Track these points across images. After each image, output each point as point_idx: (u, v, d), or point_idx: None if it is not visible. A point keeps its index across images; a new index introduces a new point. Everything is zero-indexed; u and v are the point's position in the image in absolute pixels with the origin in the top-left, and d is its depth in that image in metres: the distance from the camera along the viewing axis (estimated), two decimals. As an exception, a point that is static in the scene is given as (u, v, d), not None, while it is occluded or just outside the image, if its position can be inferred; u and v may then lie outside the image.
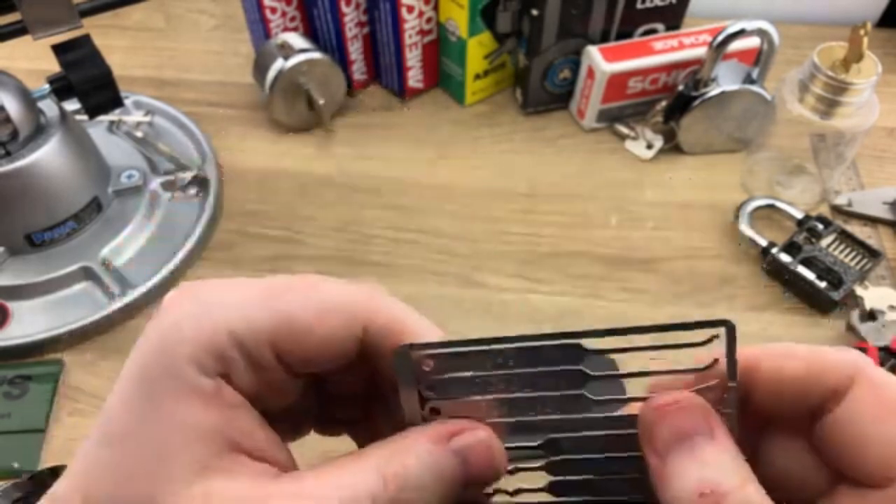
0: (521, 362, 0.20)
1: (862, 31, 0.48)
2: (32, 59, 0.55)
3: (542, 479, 0.21)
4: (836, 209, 0.58)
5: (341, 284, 0.21)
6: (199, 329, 0.19)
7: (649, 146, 0.63)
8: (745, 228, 0.55)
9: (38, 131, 0.52)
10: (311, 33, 0.67)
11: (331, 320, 0.20)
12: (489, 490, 0.21)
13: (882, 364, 0.47)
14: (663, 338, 0.19)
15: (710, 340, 0.19)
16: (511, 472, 0.21)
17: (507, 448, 0.21)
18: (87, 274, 0.54)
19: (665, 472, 0.18)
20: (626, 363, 0.20)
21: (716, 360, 0.19)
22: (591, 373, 0.20)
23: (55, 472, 0.21)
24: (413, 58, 0.66)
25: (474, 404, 0.20)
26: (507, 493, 0.21)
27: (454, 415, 0.20)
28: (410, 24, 0.63)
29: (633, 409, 0.20)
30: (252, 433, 0.19)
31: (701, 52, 0.61)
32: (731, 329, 0.19)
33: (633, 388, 0.20)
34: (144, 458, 0.18)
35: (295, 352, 0.20)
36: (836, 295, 0.50)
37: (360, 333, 0.20)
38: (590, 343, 0.20)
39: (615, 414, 0.21)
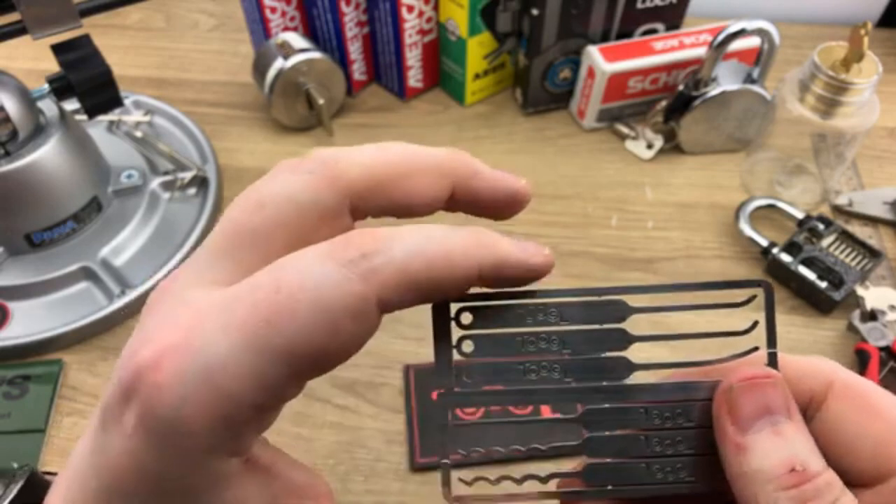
0: (563, 319, 0.19)
1: (862, 31, 0.48)
2: (32, 58, 0.55)
3: (577, 462, 0.20)
4: (837, 209, 0.58)
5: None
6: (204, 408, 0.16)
7: (649, 146, 0.63)
8: (746, 228, 0.55)
9: (38, 131, 0.52)
10: (311, 33, 0.67)
11: (428, 171, 0.19)
12: (521, 481, 0.20)
13: (882, 364, 0.47)
14: (701, 297, 0.19)
15: (748, 301, 0.19)
16: (546, 456, 0.20)
17: (544, 420, 0.20)
18: (87, 274, 0.54)
19: (746, 445, 0.18)
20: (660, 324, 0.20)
21: (755, 323, 0.19)
22: (635, 334, 0.19)
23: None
24: (413, 58, 0.66)
25: (509, 366, 0.19)
26: (539, 479, 0.20)
27: (486, 376, 0.19)
28: (410, 23, 0.63)
29: (675, 375, 0.20)
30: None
31: (701, 51, 0.61)
32: (769, 290, 0.18)
33: (664, 351, 0.19)
34: None
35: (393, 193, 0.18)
36: (837, 295, 0.50)
37: (449, 189, 0.19)
38: (632, 300, 0.19)
39: (662, 381, 0.20)
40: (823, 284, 0.51)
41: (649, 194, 0.60)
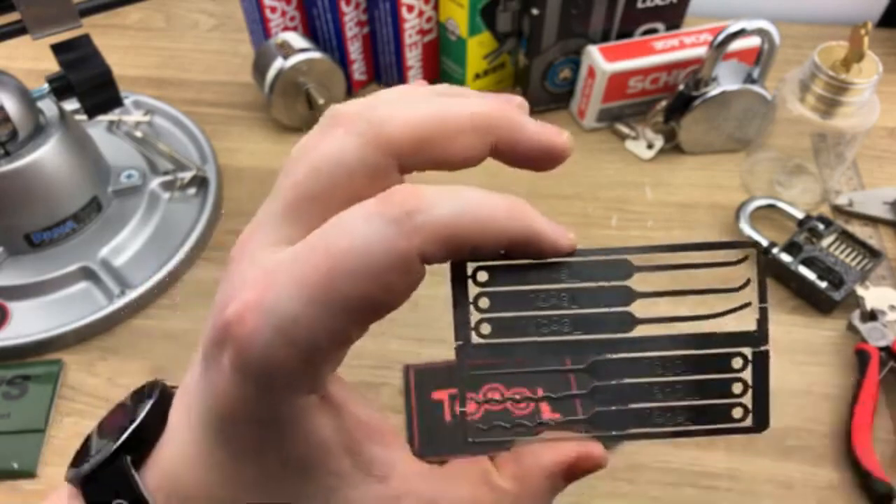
0: (572, 277, 0.20)
1: (863, 31, 0.48)
2: (32, 58, 0.55)
3: (583, 409, 0.22)
4: (837, 209, 0.58)
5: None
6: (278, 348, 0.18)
7: (650, 146, 0.63)
8: (746, 228, 0.55)
9: (38, 131, 0.52)
10: (311, 33, 0.67)
11: (470, 131, 0.20)
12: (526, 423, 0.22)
13: (882, 364, 0.47)
14: (699, 257, 0.21)
15: (742, 260, 0.21)
16: (557, 401, 0.22)
17: (553, 371, 0.22)
18: (87, 274, 0.54)
19: None
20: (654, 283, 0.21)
21: (748, 280, 0.21)
22: (639, 290, 0.21)
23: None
24: (413, 57, 0.66)
25: (523, 321, 0.21)
26: (549, 426, 0.22)
27: (503, 330, 0.21)
28: (410, 23, 0.63)
29: (674, 329, 0.21)
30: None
31: (701, 51, 0.61)
32: (760, 251, 0.20)
33: (663, 307, 0.21)
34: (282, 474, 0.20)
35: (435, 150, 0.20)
36: (837, 295, 0.50)
37: (490, 145, 0.20)
38: (637, 260, 0.21)
39: (664, 334, 0.21)
40: (823, 284, 0.51)
41: (649, 194, 0.60)
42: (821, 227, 0.54)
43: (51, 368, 0.49)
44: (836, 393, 0.47)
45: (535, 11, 0.59)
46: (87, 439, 0.22)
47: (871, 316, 0.50)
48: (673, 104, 0.61)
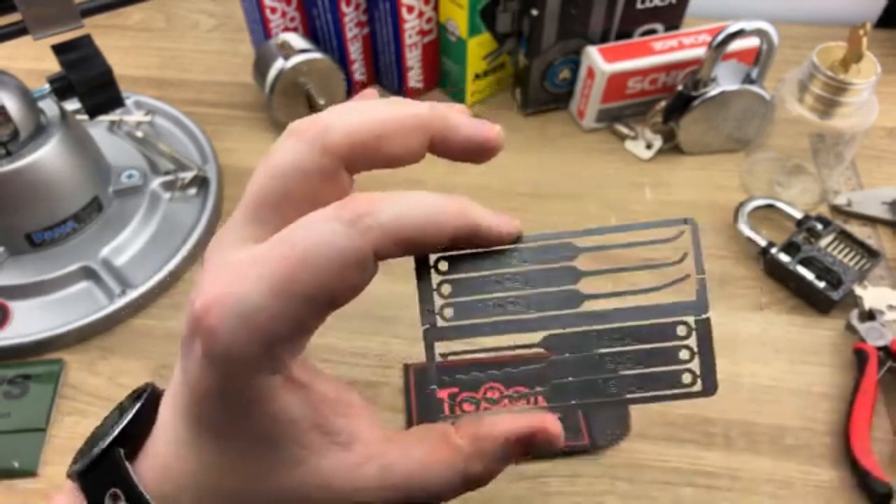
0: (524, 261, 0.23)
1: (861, 31, 0.48)
2: (33, 59, 0.55)
3: (537, 380, 0.24)
4: (836, 209, 0.58)
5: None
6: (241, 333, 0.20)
7: (649, 146, 0.63)
8: (745, 228, 0.55)
9: (39, 131, 0.52)
10: (311, 33, 0.68)
11: (407, 131, 0.22)
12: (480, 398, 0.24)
13: (881, 364, 0.47)
14: (639, 235, 0.22)
15: (678, 236, 0.22)
16: (508, 377, 0.23)
17: (511, 347, 0.24)
18: (87, 274, 0.54)
19: None
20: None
21: (685, 254, 0.22)
22: (584, 269, 0.23)
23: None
24: (413, 58, 0.66)
25: (481, 303, 0.23)
26: (511, 398, 0.24)
27: (465, 313, 0.23)
28: (410, 24, 0.63)
29: (621, 303, 0.23)
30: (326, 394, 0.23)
31: (700, 52, 0.61)
32: (694, 226, 0.22)
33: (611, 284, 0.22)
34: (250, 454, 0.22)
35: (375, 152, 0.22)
36: (836, 295, 0.50)
37: (427, 142, 0.23)
38: (581, 242, 0.23)
39: (612, 308, 0.23)
40: (822, 284, 0.51)
41: (648, 194, 0.60)
42: (819, 226, 0.54)
43: (52, 368, 0.49)
44: (834, 392, 0.48)
45: (534, 12, 0.60)
46: (88, 439, 0.24)
47: (870, 316, 0.50)
48: (672, 104, 0.61)
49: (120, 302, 0.52)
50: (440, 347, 0.23)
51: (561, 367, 0.23)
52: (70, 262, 0.53)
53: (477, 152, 0.24)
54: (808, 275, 0.52)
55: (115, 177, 0.59)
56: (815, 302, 0.52)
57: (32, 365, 0.50)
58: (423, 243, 0.21)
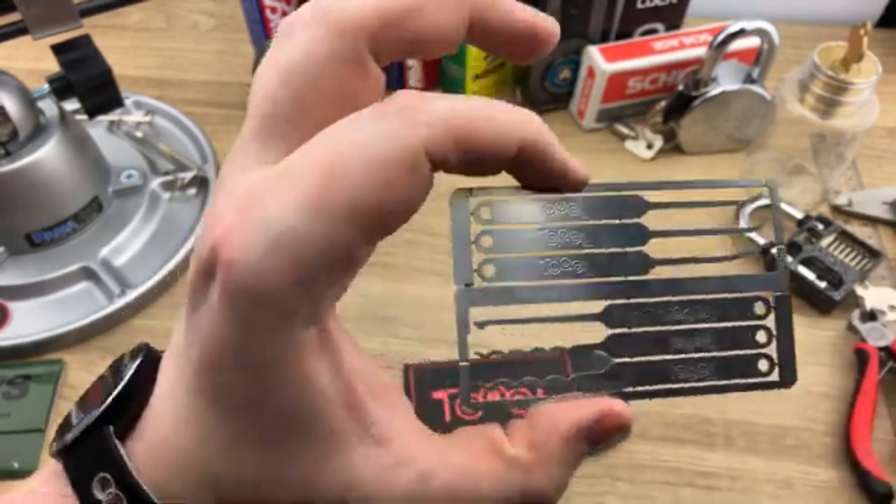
0: (584, 214, 0.19)
1: (862, 31, 0.48)
2: (32, 58, 0.55)
3: (601, 363, 0.20)
4: (837, 209, 0.58)
5: None
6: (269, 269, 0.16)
7: (649, 146, 0.63)
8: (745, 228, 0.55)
9: (38, 131, 0.52)
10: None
11: (440, 2, 0.18)
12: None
13: (882, 364, 0.47)
14: (712, 194, 0.20)
15: (756, 198, 0.19)
16: (571, 354, 0.20)
17: (563, 319, 0.19)
18: (87, 274, 0.54)
19: None
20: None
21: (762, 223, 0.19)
22: (652, 228, 0.19)
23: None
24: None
25: (530, 262, 0.19)
26: (543, 387, 0.20)
27: (507, 274, 0.19)
28: (410, 23, 0.63)
29: (693, 271, 0.20)
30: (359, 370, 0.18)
31: (701, 51, 0.61)
32: (773, 186, 0.19)
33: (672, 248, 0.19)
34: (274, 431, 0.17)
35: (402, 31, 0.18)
36: (837, 295, 0.50)
37: (465, 21, 0.18)
38: (649, 196, 0.19)
39: (679, 276, 0.19)
40: (823, 284, 0.51)
41: (648, 195, 0.60)
42: (820, 227, 0.54)
43: (51, 368, 0.49)
44: (835, 393, 0.47)
45: (534, 12, 0.59)
46: (68, 414, 0.20)
47: (871, 316, 0.50)
48: (672, 104, 0.61)
49: (120, 302, 0.52)
50: (476, 315, 0.19)
51: (622, 344, 0.19)
52: (70, 263, 0.53)
53: (524, 40, 0.19)
54: (810, 275, 0.51)
55: (115, 177, 0.59)
56: (816, 302, 0.52)
57: (32, 365, 0.50)
58: (484, 148, 0.17)
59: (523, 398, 0.20)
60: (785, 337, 0.19)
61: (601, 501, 0.43)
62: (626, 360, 0.19)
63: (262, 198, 0.16)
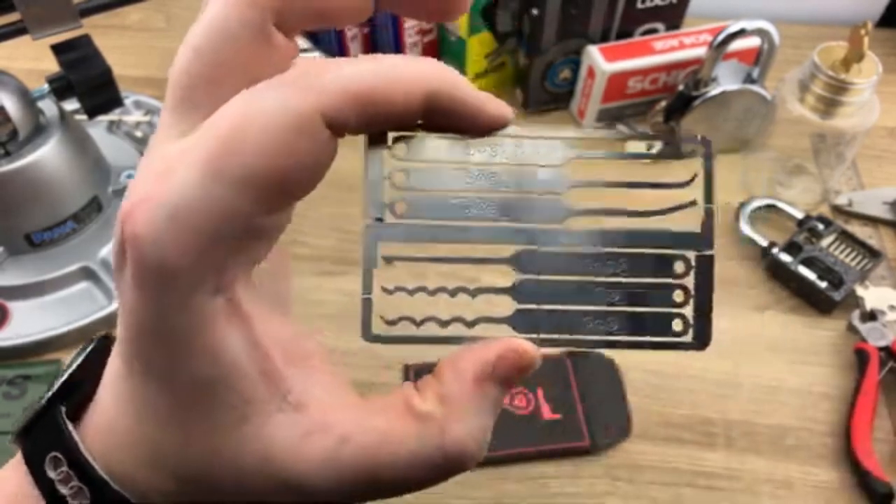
0: (503, 156, 0.18)
1: (862, 31, 0.48)
2: (32, 58, 0.55)
3: (507, 306, 0.19)
4: (837, 209, 0.58)
5: None
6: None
7: (649, 146, 0.63)
8: (746, 228, 0.55)
9: (38, 131, 0.52)
10: (311, 33, 0.67)
11: None
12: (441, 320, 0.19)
13: (882, 364, 0.47)
14: (642, 147, 0.20)
15: (690, 154, 0.20)
16: (472, 295, 0.19)
17: (471, 260, 0.19)
18: (87, 274, 0.54)
19: None
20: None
21: (695, 176, 0.20)
22: (575, 179, 0.19)
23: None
24: (412, 54, 0.66)
25: (443, 201, 0.18)
26: (465, 323, 0.19)
27: (419, 211, 0.18)
28: (410, 23, 0.63)
29: (612, 223, 0.19)
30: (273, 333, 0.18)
31: (701, 51, 0.61)
32: (708, 144, 0.19)
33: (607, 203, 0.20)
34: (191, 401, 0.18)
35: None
36: (837, 295, 0.50)
37: None
38: (576, 146, 0.19)
39: (600, 228, 0.19)
40: (823, 284, 0.51)
41: (649, 194, 0.60)
42: (820, 227, 0.54)
43: (51, 368, 0.49)
44: (835, 393, 0.47)
45: (534, 11, 0.59)
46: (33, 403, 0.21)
47: (871, 316, 0.50)
48: (673, 104, 0.61)
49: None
50: (384, 250, 0.19)
51: (531, 291, 0.19)
52: (69, 263, 0.53)
53: (434, 2, 0.19)
54: (810, 275, 0.51)
55: (115, 177, 0.59)
56: (816, 302, 0.52)
57: (32, 365, 0.50)
58: (386, 107, 0.17)
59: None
60: (703, 297, 0.19)
61: (602, 502, 0.43)
62: (533, 307, 0.19)
63: (167, 171, 0.16)
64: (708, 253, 0.19)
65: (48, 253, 0.54)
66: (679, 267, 0.19)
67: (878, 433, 0.45)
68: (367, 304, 0.18)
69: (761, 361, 0.49)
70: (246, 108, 0.16)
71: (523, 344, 0.18)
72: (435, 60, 0.18)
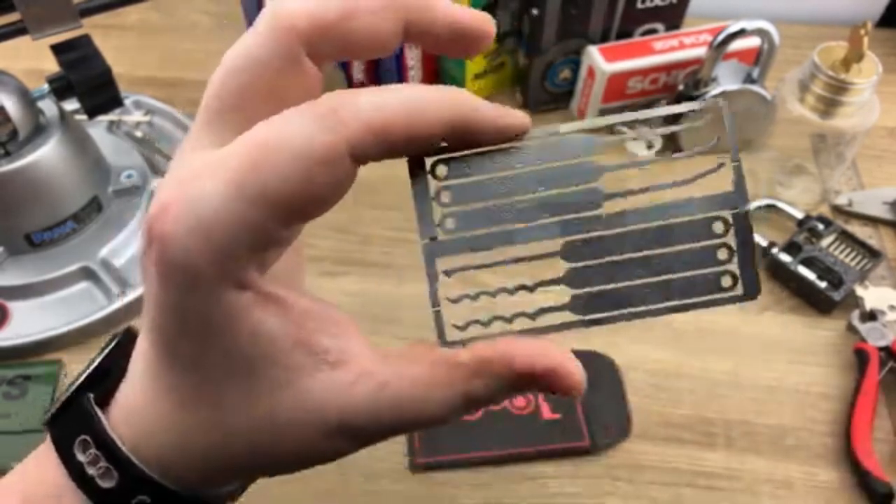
0: (536, 159, 0.20)
1: (862, 31, 0.48)
2: (32, 58, 0.54)
3: (565, 294, 0.21)
4: (837, 209, 0.58)
5: None
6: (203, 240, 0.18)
7: (649, 146, 0.63)
8: (746, 228, 0.55)
9: (38, 131, 0.52)
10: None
11: (374, 9, 0.20)
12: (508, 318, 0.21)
13: (882, 364, 0.47)
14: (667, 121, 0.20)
15: (709, 111, 0.21)
16: (531, 290, 0.21)
17: (525, 259, 0.21)
18: (87, 274, 0.54)
19: None
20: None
21: (718, 139, 0.20)
22: (606, 164, 0.20)
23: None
24: (413, 57, 0.66)
25: (488, 210, 0.20)
26: (528, 316, 0.21)
27: (467, 224, 0.20)
28: (410, 23, 0.63)
29: (644, 201, 0.20)
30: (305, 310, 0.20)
31: (701, 51, 0.61)
32: (725, 106, 0.20)
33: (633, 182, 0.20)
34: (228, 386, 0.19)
35: (334, 36, 0.19)
36: (837, 295, 0.50)
37: (401, 23, 0.20)
38: (598, 133, 0.20)
39: (637, 207, 0.20)
40: (823, 284, 0.51)
41: (649, 195, 0.60)
42: (820, 227, 0.54)
43: (51, 368, 0.49)
44: (835, 393, 0.47)
45: (534, 11, 0.60)
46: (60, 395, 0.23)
47: (871, 316, 0.50)
48: (673, 104, 0.61)
49: (119, 302, 0.52)
50: (442, 264, 0.20)
51: (584, 277, 0.20)
52: (69, 263, 0.53)
53: (461, 40, 0.20)
54: (810, 275, 0.51)
55: (115, 177, 0.59)
56: (816, 302, 0.52)
57: (32, 365, 0.50)
58: (409, 138, 0.18)
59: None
60: (746, 251, 0.20)
61: (602, 502, 0.43)
62: (589, 289, 0.20)
63: (198, 178, 0.18)
64: (743, 209, 0.20)
65: (48, 253, 0.54)
66: (718, 227, 0.20)
67: (878, 433, 0.45)
68: (438, 316, 0.21)
69: (761, 361, 0.49)
70: (276, 134, 0.17)
71: (574, 370, 0.20)
72: (453, 88, 0.19)
